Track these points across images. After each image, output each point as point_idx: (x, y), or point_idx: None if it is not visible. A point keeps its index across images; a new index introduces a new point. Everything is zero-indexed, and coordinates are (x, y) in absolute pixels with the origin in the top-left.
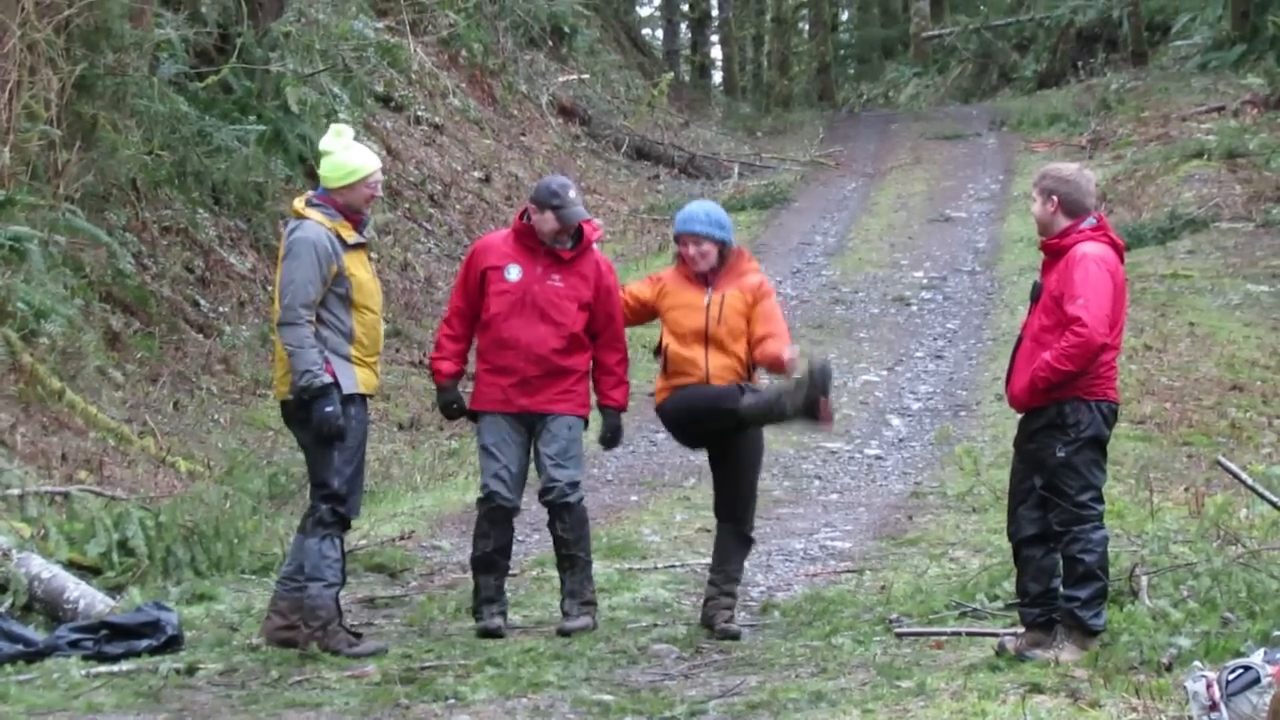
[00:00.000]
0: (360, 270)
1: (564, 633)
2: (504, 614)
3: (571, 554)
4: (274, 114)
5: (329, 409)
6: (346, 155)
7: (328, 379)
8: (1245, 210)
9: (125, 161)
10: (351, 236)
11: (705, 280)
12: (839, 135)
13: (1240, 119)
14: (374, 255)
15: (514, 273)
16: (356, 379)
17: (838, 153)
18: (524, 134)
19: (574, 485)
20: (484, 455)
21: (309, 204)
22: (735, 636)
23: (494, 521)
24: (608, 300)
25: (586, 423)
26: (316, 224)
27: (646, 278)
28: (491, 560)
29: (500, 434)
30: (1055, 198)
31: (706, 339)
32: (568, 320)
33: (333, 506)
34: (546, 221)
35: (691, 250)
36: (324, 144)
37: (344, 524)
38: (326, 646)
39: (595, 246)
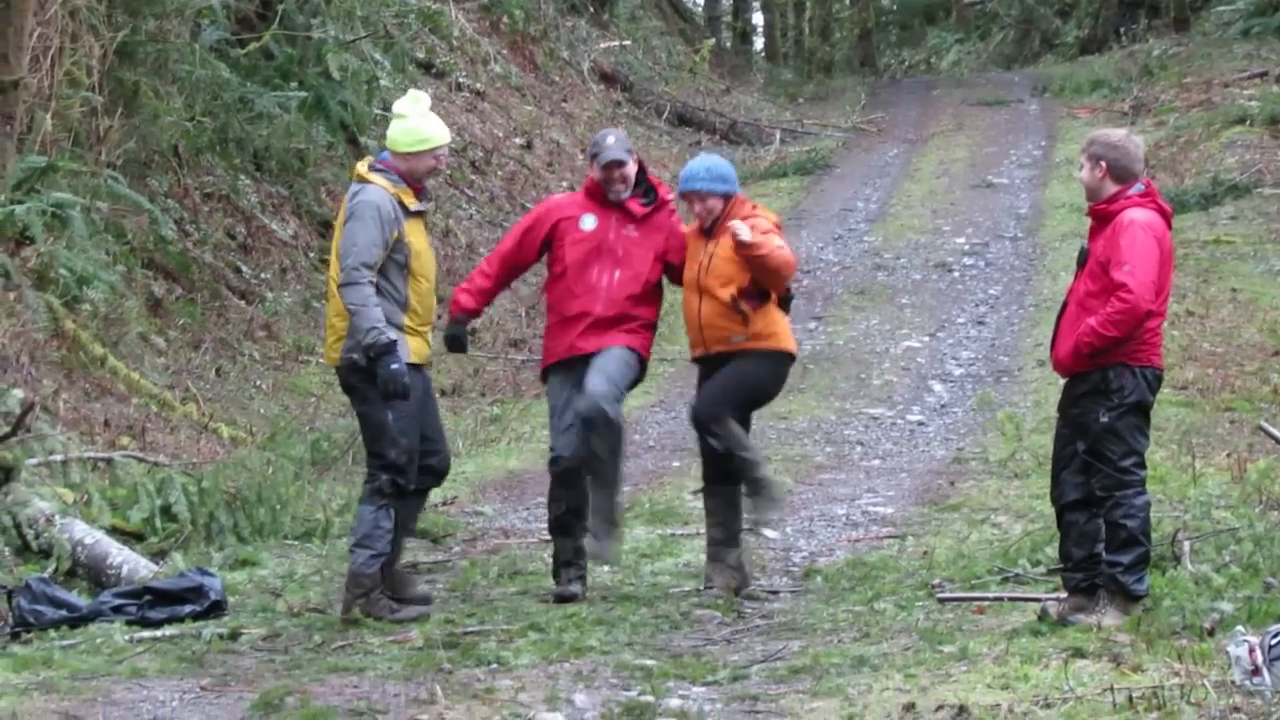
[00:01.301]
0: (418, 239)
1: (588, 553)
2: (583, 578)
3: (598, 469)
4: (315, 80)
5: (394, 366)
6: (421, 123)
7: (392, 335)
8: None
9: (167, 128)
10: (412, 203)
11: (706, 232)
12: (880, 101)
13: None
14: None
15: (589, 222)
16: (409, 348)
17: (879, 119)
18: (565, 100)
19: (609, 398)
20: (552, 416)
21: (372, 169)
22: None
23: (565, 484)
24: (683, 251)
25: (642, 362)
26: (380, 189)
27: None
28: (566, 523)
29: (568, 393)
30: (1104, 163)
31: (699, 288)
32: (644, 269)
33: (393, 478)
34: (595, 171)
35: (697, 207)
36: (399, 107)
37: (401, 494)
38: (369, 613)
39: (671, 209)
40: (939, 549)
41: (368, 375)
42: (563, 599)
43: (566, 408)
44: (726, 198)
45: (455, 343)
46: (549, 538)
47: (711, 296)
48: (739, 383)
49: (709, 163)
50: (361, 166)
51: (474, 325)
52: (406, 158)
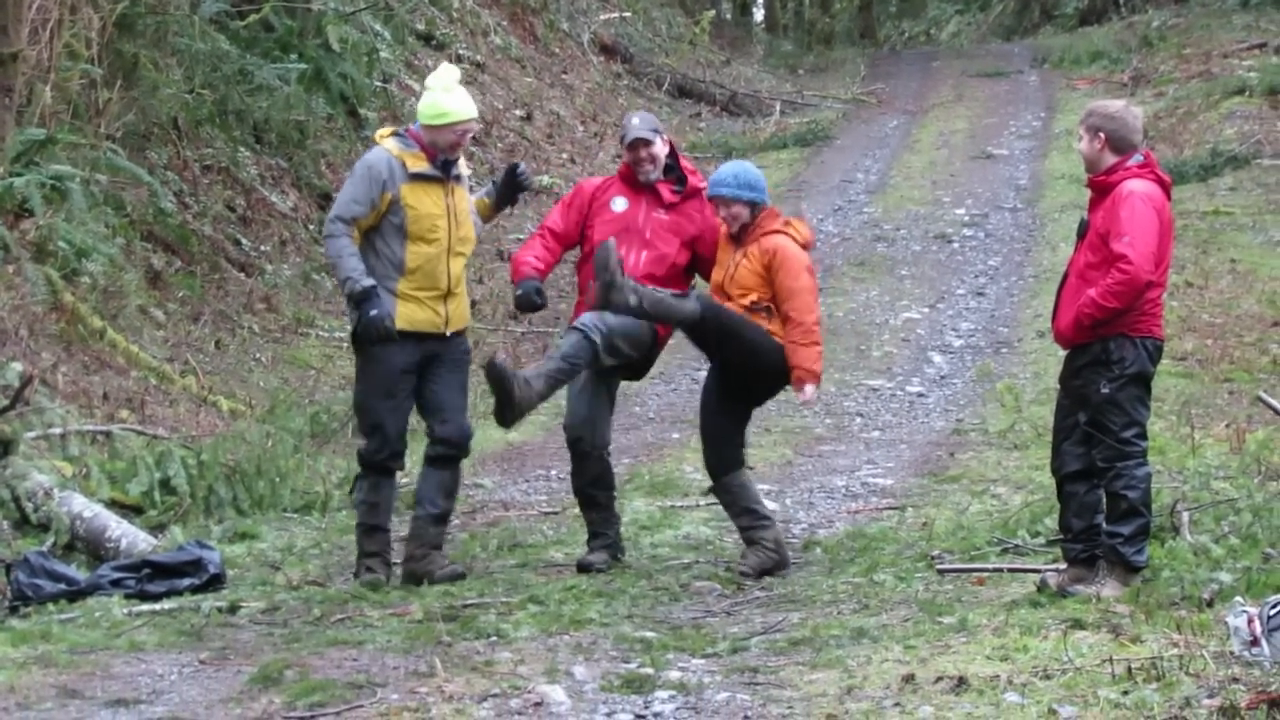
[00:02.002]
0: (424, 202)
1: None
2: (609, 548)
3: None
4: (315, 52)
5: (373, 312)
6: (442, 97)
7: (369, 282)
8: None
9: (166, 100)
10: (417, 166)
11: (737, 239)
12: (880, 73)
13: None
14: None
15: (620, 204)
16: (397, 313)
17: (879, 90)
18: (565, 72)
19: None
20: (569, 389)
21: (394, 134)
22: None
23: (578, 458)
24: (714, 244)
25: (660, 342)
26: (383, 150)
27: None
28: (587, 495)
29: (587, 376)
30: (1102, 134)
31: (724, 294)
32: (670, 251)
33: (363, 450)
34: (625, 153)
35: (722, 213)
36: (428, 80)
37: (375, 468)
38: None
39: (705, 199)
40: (938, 520)
41: (363, 341)
42: (583, 569)
43: (585, 390)
44: (753, 206)
45: (525, 302)
46: (550, 511)
47: (733, 301)
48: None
49: (737, 169)
50: (382, 132)
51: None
52: (428, 130)
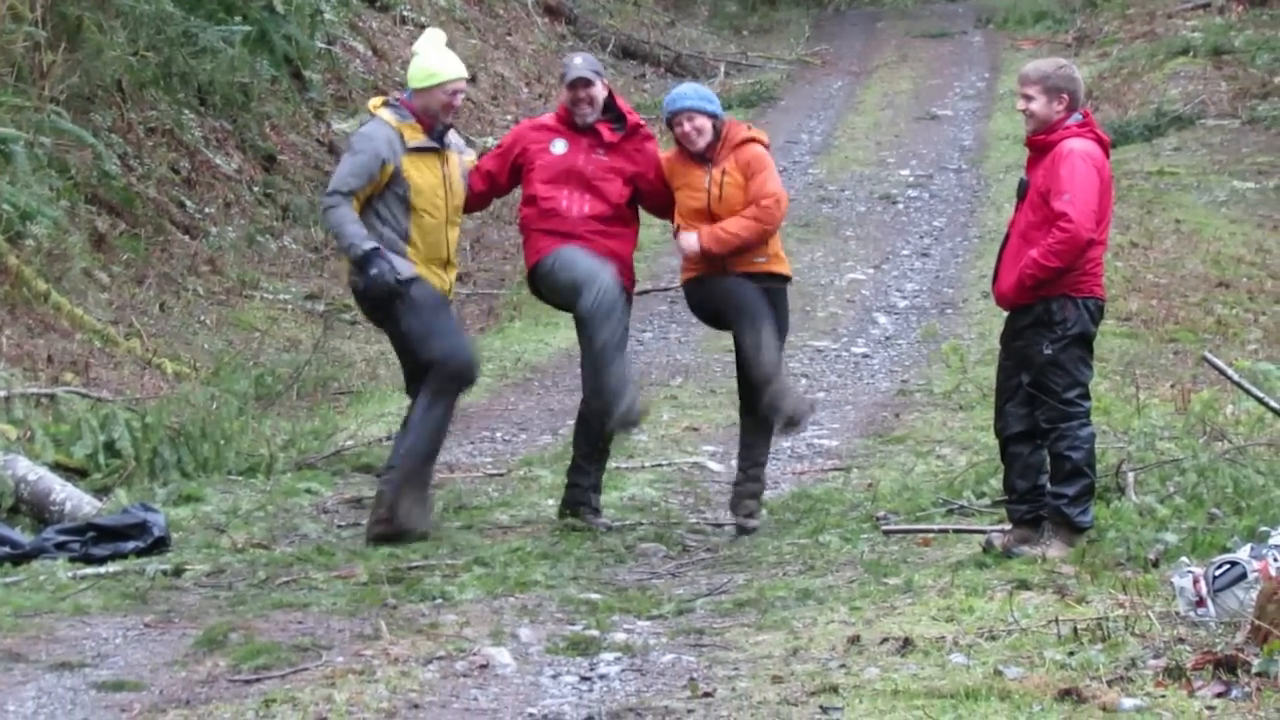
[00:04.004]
0: (424, 175)
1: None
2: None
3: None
4: (259, 14)
5: (374, 270)
6: (428, 59)
7: (371, 244)
8: (1231, 107)
9: (110, 62)
10: (415, 139)
11: (704, 158)
12: (825, 34)
13: (1226, 16)
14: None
15: (560, 146)
16: (413, 267)
17: (824, 51)
18: (510, 34)
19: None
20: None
21: (386, 103)
22: (748, 532)
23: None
24: (659, 178)
25: (627, 294)
26: (382, 122)
27: None
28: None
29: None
30: (1065, 95)
31: (711, 217)
32: (613, 190)
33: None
34: (563, 94)
35: (686, 127)
36: (415, 45)
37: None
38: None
39: (648, 134)
40: (884, 481)
41: (376, 302)
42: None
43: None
44: (715, 119)
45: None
46: (496, 473)
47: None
48: (779, 329)
49: (694, 86)
50: (374, 101)
51: None
52: (419, 94)
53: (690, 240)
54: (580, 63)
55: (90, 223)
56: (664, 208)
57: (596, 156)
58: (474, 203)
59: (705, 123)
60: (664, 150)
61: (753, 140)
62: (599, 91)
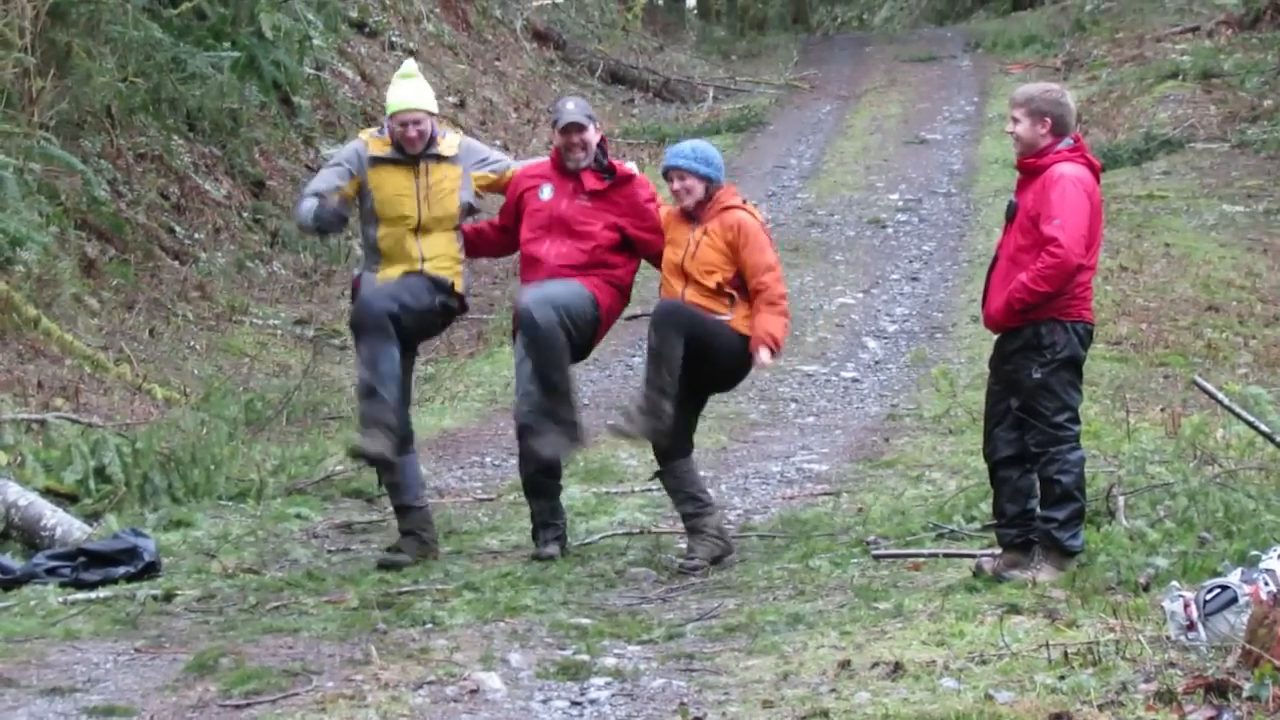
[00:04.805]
0: (387, 184)
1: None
2: (560, 539)
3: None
4: (248, 40)
5: (314, 212)
6: (391, 90)
7: (312, 197)
8: (1220, 131)
9: (100, 88)
10: (378, 150)
11: (692, 216)
12: (813, 58)
13: (1215, 39)
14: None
15: (546, 192)
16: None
17: (812, 76)
18: (498, 59)
19: (542, 305)
20: (517, 373)
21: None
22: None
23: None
24: (648, 228)
25: (596, 306)
26: (357, 140)
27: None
28: (538, 483)
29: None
30: (1049, 119)
31: (684, 274)
32: (594, 230)
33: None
34: (556, 138)
35: (676, 185)
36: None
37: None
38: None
39: (641, 184)
40: (874, 506)
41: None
42: (539, 558)
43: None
44: (708, 182)
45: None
46: (486, 498)
47: (697, 284)
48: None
49: (696, 144)
50: (364, 131)
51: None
52: (389, 120)
53: (766, 357)
54: (572, 108)
55: (80, 248)
56: (655, 257)
57: (579, 202)
58: (499, 249)
59: (696, 184)
60: (667, 205)
61: (739, 208)
62: (591, 136)
